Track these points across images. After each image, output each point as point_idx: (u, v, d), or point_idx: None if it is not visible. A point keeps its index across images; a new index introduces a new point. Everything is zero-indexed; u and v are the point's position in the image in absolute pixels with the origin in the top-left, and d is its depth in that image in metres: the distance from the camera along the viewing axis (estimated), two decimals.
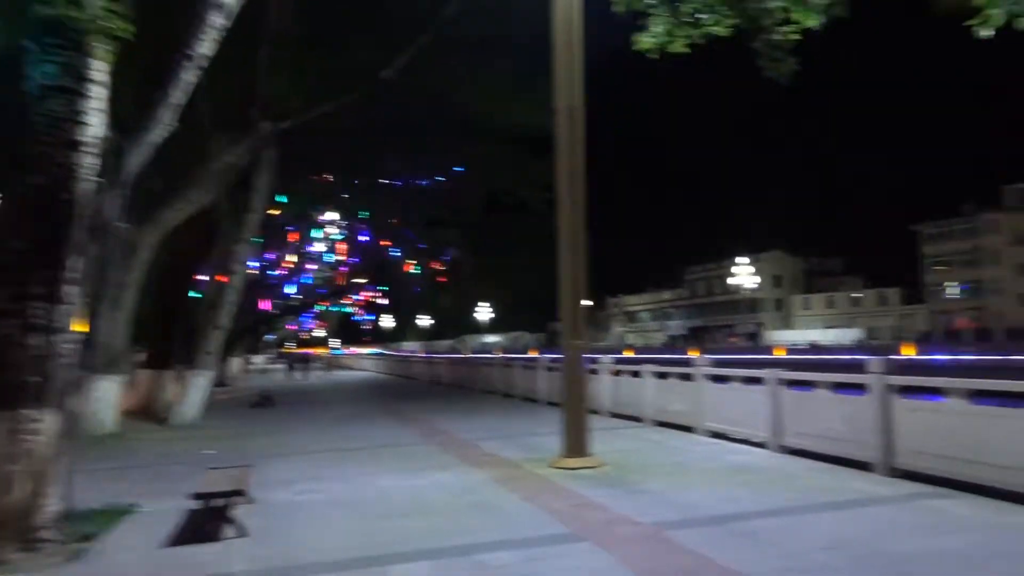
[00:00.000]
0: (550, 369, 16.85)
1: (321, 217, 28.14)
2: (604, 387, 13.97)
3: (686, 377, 11.21)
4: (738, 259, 70.21)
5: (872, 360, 7.44)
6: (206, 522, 5.74)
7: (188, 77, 7.43)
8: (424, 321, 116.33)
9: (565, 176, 8.75)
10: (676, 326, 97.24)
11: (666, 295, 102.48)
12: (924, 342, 52.61)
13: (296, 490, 7.41)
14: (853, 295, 79.25)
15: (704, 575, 4.39)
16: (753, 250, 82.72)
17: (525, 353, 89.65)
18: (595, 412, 14.12)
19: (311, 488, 7.50)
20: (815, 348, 58.36)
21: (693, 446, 9.70)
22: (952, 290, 67.95)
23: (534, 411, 15.57)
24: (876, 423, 7.29)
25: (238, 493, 5.82)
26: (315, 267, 29.55)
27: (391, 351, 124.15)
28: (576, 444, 8.41)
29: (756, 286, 73.30)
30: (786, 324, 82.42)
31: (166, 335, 16.50)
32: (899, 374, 7.44)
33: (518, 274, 26.84)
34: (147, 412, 15.50)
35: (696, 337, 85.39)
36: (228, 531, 5.64)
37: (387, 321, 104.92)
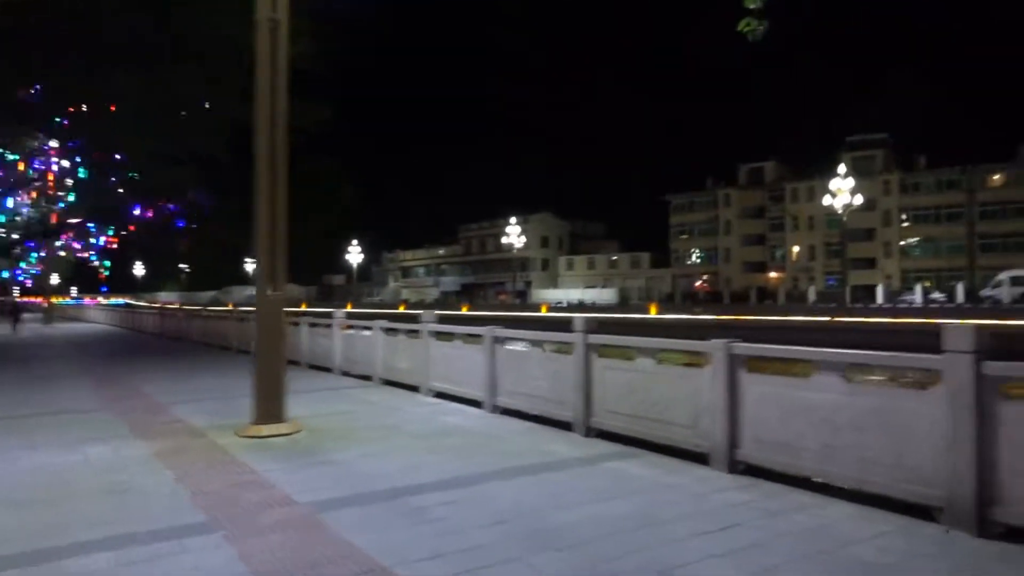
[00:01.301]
0: (293, 324, 15.58)
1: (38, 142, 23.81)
2: (336, 344, 13.08)
3: (414, 334, 10.65)
4: (513, 219, 72.11)
5: (576, 318, 7.29)
6: None
7: None
8: (184, 270, 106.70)
9: (266, 96, 7.61)
10: (450, 282, 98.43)
11: (441, 251, 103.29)
12: (667, 302, 58.11)
13: None
14: (612, 258, 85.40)
15: (334, 569, 3.72)
16: (524, 211, 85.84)
17: (293, 307, 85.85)
18: (327, 370, 13.28)
19: None
20: (582, 306, 61.83)
21: (412, 407, 9.18)
22: (693, 256, 75.59)
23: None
24: (577, 382, 7.18)
25: None
26: (23, 196, 24.89)
27: (142, 302, 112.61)
28: (270, 408, 7.46)
29: (522, 245, 76.04)
30: (552, 283, 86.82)
31: None
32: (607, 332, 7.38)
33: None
34: None
35: (468, 294, 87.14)
36: None
37: (139, 269, 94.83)
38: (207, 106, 20.17)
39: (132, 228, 28.03)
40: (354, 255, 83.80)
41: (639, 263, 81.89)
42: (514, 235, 69.29)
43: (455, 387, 9.49)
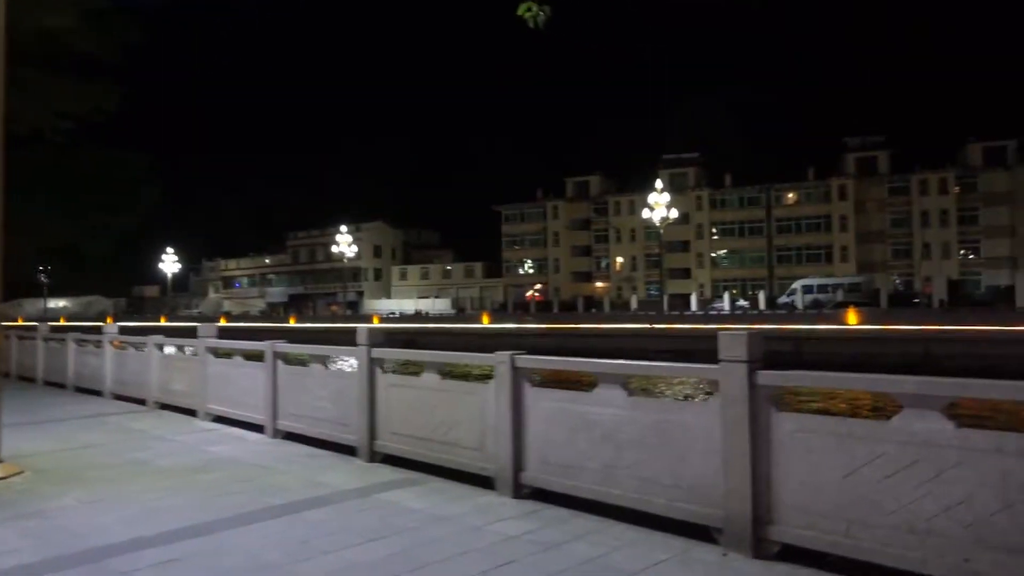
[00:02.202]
0: (46, 340, 13.53)
1: None
2: (106, 363, 11.41)
3: (189, 351, 9.41)
4: (344, 228, 69.64)
5: (360, 328, 6.56)
6: None
7: None
8: None
9: None
10: (277, 293, 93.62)
11: (268, 260, 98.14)
12: (500, 312, 58.62)
13: None
14: (446, 267, 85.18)
15: None
16: (356, 219, 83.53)
17: (99, 321, 77.65)
18: (98, 393, 11.59)
19: None
20: (419, 316, 60.74)
21: (181, 435, 7.98)
22: (525, 266, 77.04)
23: (25, 393, 12.18)
24: (360, 402, 6.44)
25: None
26: None
27: None
28: None
29: (354, 255, 73.88)
30: (385, 293, 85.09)
31: None
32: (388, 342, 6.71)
33: (43, 222, 21.70)
34: None
35: (297, 305, 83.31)
36: None
37: None
38: None
39: None
40: (169, 264, 77.45)
41: (473, 273, 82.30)
42: (345, 244, 67.00)
43: (235, 410, 8.41)
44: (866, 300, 43.71)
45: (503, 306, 67.47)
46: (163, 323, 67.26)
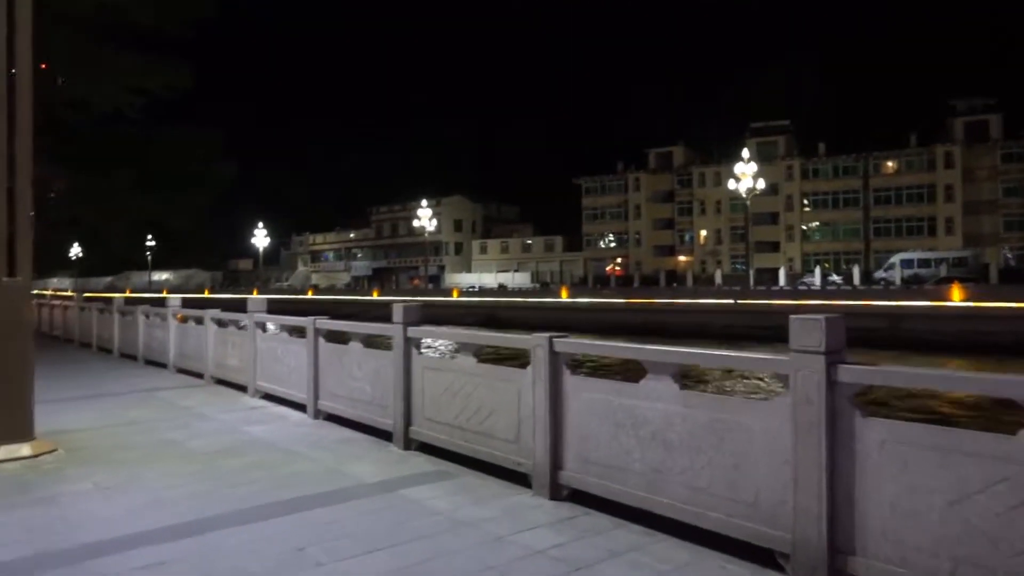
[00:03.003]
0: (121, 313, 13.76)
1: None
2: (170, 337, 11.42)
3: (242, 326, 9.19)
4: (424, 202, 69.97)
5: (395, 305, 6.06)
6: None
7: None
8: (75, 252, 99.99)
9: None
10: (361, 267, 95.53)
11: (352, 235, 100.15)
12: (580, 286, 57.77)
13: None
14: (526, 241, 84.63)
15: None
16: (437, 194, 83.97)
17: (198, 292, 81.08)
18: (163, 366, 11.66)
19: None
20: (502, 290, 60.50)
21: (224, 413, 7.74)
22: (605, 240, 75.62)
23: (97, 365, 12.43)
24: (396, 384, 5.95)
25: None
26: None
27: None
28: (5, 423, 5.90)
29: (435, 229, 74.30)
30: (466, 267, 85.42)
31: None
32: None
33: (128, 198, 22.40)
34: None
35: (380, 279, 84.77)
36: None
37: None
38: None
39: None
40: (260, 238, 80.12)
41: (553, 247, 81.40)
42: (425, 218, 67.38)
43: (282, 388, 8.12)
44: (973, 275, 40.54)
45: (583, 280, 66.51)
46: (253, 295, 69.84)
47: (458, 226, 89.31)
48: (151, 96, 18.12)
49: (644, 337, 36.09)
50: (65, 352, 15.14)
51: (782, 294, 40.01)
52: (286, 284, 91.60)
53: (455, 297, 54.29)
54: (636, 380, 4.01)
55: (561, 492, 4.47)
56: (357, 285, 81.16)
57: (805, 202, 64.98)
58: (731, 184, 44.54)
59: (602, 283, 59.32)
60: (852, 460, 3.07)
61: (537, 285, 63.73)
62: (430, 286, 70.48)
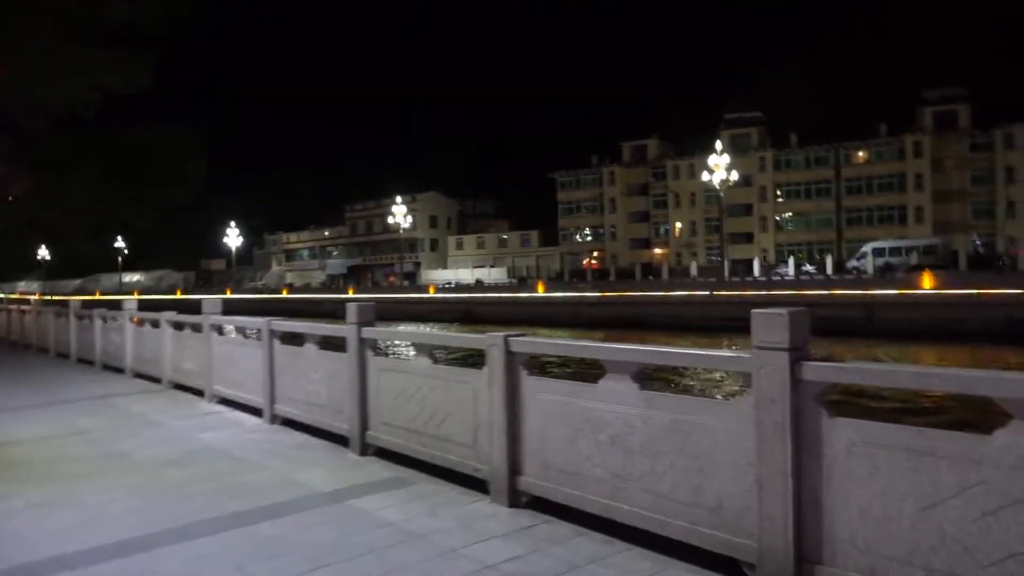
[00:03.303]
0: (78, 317, 13.32)
1: None
2: (127, 340, 11.04)
3: (198, 328, 8.85)
4: (399, 198, 69.28)
5: (349, 305, 5.79)
6: None
7: None
8: (42, 255, 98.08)
9: None
10: (337, 265, 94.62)
11: (327, 233, 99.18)
12: (557, 280, 57.61)
13: None
14: (502, 236, 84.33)
15: None
16: (411, 190, 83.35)
17: (172, 295, 79.72)
18: (120, 371, 11.28)
19: None
20: (480, 286, 60.06)
21: (177, 420, 7.43)
22: (581, 234, 75.57)
23: (51, 371, 11.99)
24: (352, 387, 5.69)
25: None
26: None
27: None
28: None
29: (410, 225, 73.71)
30: (442, 263, 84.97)
31: None
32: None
33: (93, 199, 21.79)
34: None
35: (355, 276, 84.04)
36: None
37: None
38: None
39: None
40: (232, 238, 79.03)
41: (529, 241, 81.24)
42: (400, 214, 66.77)
43: (238, 392, 7.82)
44: (942, 263, 41.00)
45: (559, 275, 66.37)
46: (228, 295, 68.81)
47: (433, 222, 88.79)
48: (111, 94, 17.58)
49: (621, 330, 36.07)
50: (22, 358, 14.65)
51: (756, 284, 40.21)
52: (260, 283, 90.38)
53: (431, 294, 53.93)
54: (595, 380, 3.79)
55: (520, 499, 4.25)
56: (332, 283, 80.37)
57: (778, 193, 65.41)
58: (705, 176, 44.64)
59: (578, 277, 59.27)
60: (819, 463, 2.87)
61: (514, 280, 63.47)
62: (406, 283, 69.89)
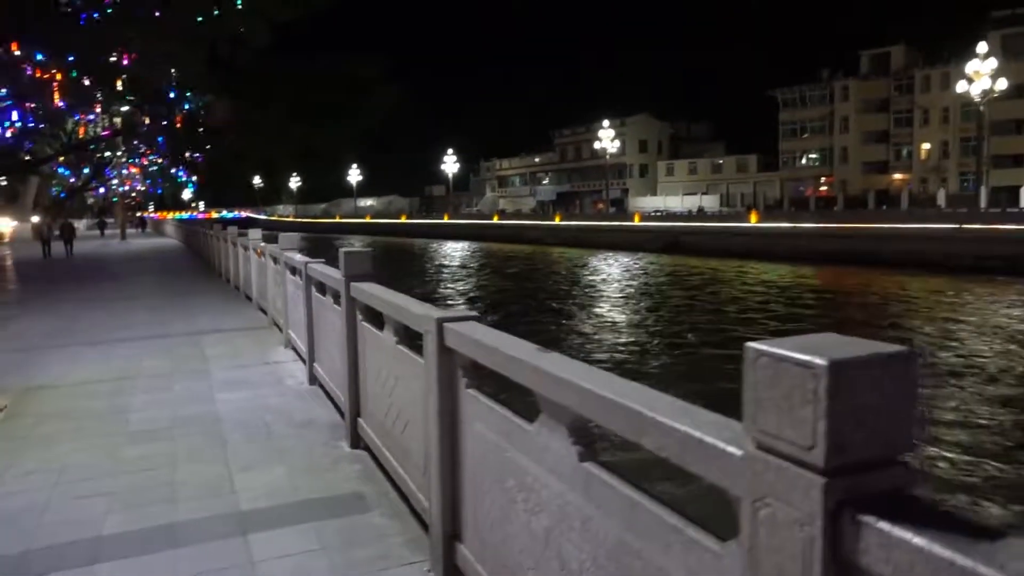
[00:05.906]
0: (233, 245, 13.39)
1: None
2: (253, 272, 10.76)
3: (277, 262, 8.04)
4: (606, 122, 66.75)
5: (342, 252, 4.39)
6: None
7: None
8: (295, 182, 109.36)
9: None
10: (546, 191, 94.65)
11: (536, 159, 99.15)
12: (775, 209, 52.42)
13: None
14: (716, 161, 78.63)
15: None
16: (622, 113, 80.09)
17: (398, 219, 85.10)
18: (250, 300, 11.09)
19: None
20: (702, 213, 56.58)
21: (228, 369, 6.72)
22: (805, 157, 68.12)
23: (199, 300, 12.17)
24: (340, 356, 4.39)
25: None
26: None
27: (261, 215, 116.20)
28: None
29: (618, 150, 71.06)
30: (651, 190, 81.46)
31: None
32: None
33: (283, 129, 22.50)
34: None
35: (563, 202, 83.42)
36: None
37: (257, 180, 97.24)
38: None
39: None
40: (450, 165, 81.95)
41: (746, 167, 74.75)
42: (607, 139, 64.30)
43: (299, 341, 6.89)
44: None
45: (779, 203, 60.45)
46: (446, 220, 71.57)
47: (644, 147, 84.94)
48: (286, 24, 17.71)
49: (845, 267, 31.69)
50: (194, 284, 15.27)
51: (1021, 217, 33.07)
52: (475, 209, 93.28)
53: (636, 222, 51.56)
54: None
55: None
56: (542, 209, 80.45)
57: None
58: (962, 87, 37.22)
59: (800, 206, 53.40)
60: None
61: (740, 208, 58.46)
62: (612, 210, 67.77)
